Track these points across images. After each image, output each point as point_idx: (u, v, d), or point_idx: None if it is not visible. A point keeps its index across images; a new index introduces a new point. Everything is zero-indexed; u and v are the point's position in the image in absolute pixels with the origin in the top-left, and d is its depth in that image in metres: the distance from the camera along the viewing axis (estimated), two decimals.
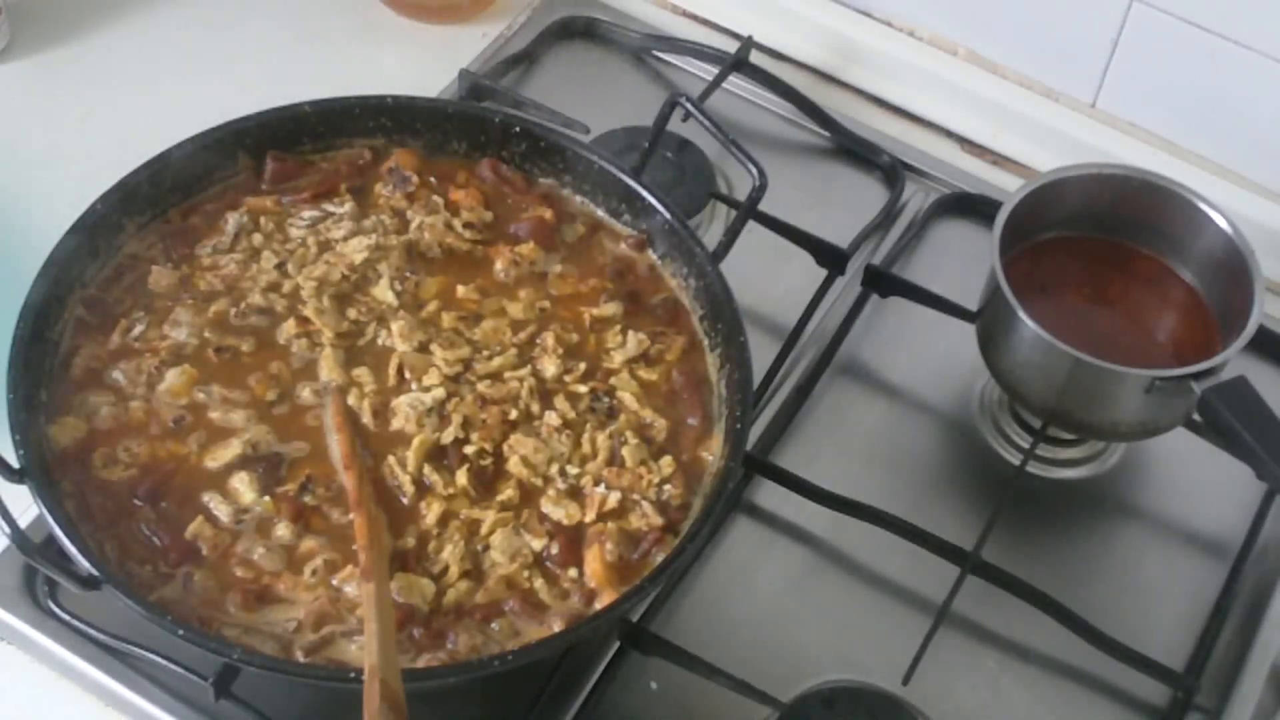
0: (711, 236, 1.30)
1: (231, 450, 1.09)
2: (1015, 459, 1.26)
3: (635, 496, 1.10)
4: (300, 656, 1.01)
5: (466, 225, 1.21)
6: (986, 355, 1.23)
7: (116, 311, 1.15)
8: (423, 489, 1.09)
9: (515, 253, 1.21)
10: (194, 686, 1.07)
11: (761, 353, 1.21)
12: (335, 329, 1.15)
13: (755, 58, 1.48)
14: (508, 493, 1.09)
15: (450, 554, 1.06)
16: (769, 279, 1.34)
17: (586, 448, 1.12)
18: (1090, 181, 1.23)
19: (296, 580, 1.04)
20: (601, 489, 1.10)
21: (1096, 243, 1.25)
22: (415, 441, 1.10)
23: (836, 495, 1.20)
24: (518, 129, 1.24)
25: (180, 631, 0.98)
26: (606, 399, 1.14)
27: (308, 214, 1.21)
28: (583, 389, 1.14)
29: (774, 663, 1.14)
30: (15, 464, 1.02)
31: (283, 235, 1.20)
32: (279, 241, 1.20)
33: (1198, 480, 1.27)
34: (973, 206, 1.41)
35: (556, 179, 1.25)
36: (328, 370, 1.13)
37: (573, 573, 1.06)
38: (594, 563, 1.06)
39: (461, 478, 1.09)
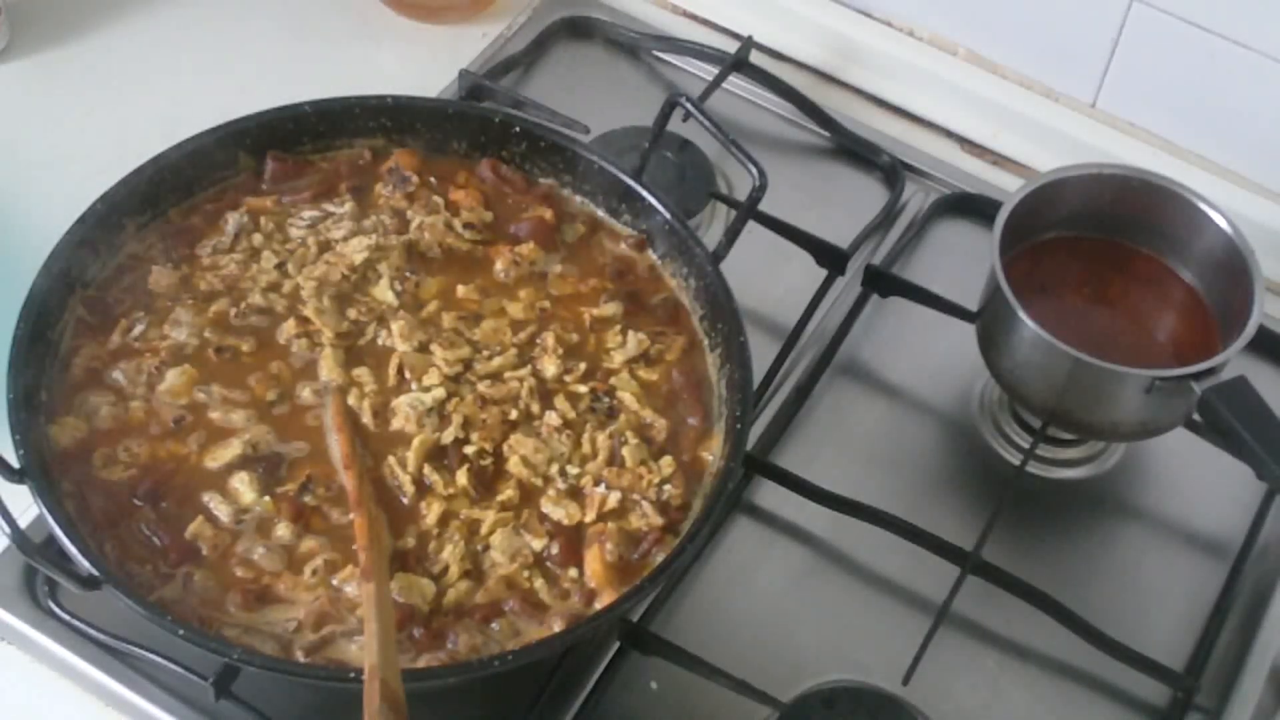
0: (711, 236, 1.30)
1: (231, 450, 1.09)
2: (1015, 459, 1.26)
3: (635, 496, 1.10)
4: (300, 656, 1.01)
5: (466, 225, 1.21)
6: (986, 355, 1.23)
7: (116, 311, 1.15)
8: (423, 489, 1.09)
9: (515, 253, 1.21)
10: (194, 686, 1.07)
11: (761, 353, 1.21)
12: (335, 329, 1.15)
13: (755, 58, 1.48)
14: (508, 493, 1.09)
15: (450, 554, 1.06)
16: (769, 279, 1.34)
17: (586, 448, 1.12)
18: (1090, 181, 1.23)
19: (296, 580, 1.04)
20: (601, 489, 1.10)
21: (1096, 243, 1.25)
22: (415, 441, 1.10)
23: (836, 495, 1.20)
24: (518, 129, 1.24)
25: (180, 631, 0.98)
26: (606, 399, 1.14)
27: (308, 214, 1.21)
28: (583, 389, 1.14)
29: (774, 663, 1.14)
30: (15, 464, 1.02)
31: (283, 235, 1.20)
32: (279, 241, 1.20)
33: (1198, 480, 1.27)
34: (973, 206, 1.40)
35: (556, 179, 1.25)
36: (328, 370, 1.13)
37: (573, 573, 1.06)
38: (594, 563, 1.06)
39: (461, 478, 1.09)
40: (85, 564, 1.00)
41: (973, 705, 1.15)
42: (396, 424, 1.11)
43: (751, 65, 1.47)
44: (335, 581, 1.05)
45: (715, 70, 1.45)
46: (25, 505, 1.02)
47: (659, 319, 1.19)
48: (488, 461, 1.10)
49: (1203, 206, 1.20)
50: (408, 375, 1.13)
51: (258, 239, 1.19)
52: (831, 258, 1.32)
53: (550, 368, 1.15)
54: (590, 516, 1.09)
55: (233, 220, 1.20)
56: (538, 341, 1.16)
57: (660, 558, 1.06)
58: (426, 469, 1.09)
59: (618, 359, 1.16)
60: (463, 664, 1.01)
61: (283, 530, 1.06)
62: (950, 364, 1.31)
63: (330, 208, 1.22)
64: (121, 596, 0.99)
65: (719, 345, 1.16)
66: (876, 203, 1.40)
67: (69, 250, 1.12)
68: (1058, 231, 1.25)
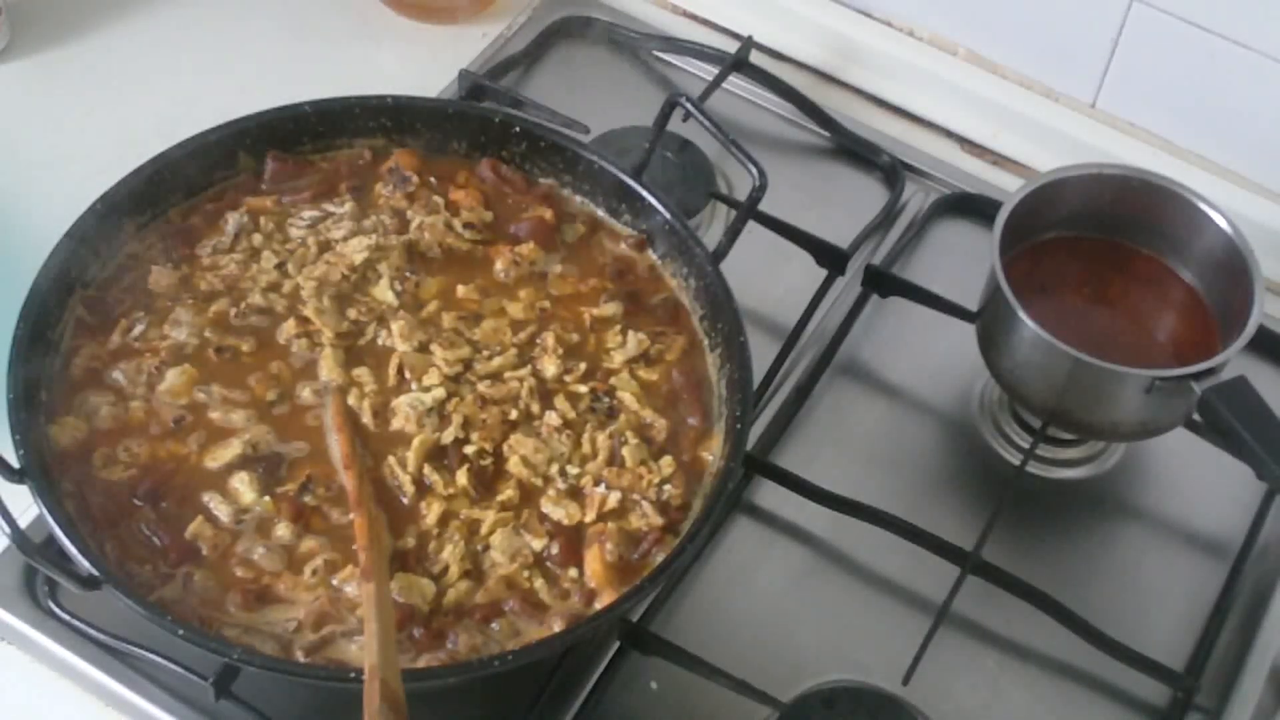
0: (711, 236, 1.30)
1: (231, 450, 1.09)
2: (1015, 459, 1.26)
3: (635, 496, 1.10)
4: (300, 656, 1.01)
5: (466, 225, 1.21)
6: (986, 355, 1.23)
7: (116, 311, 1.15)
8: (423, 489, 1.09)
9: (515, 253, 1.21)
10: (194, 686, 1.07)
11: (761, 353, 1.21)
12: (335, 329, 1.15)
13: (755, 58, 1.48)
14: (508, 493, 1.09)
15: (450, 554, 1.06)
16: (769, 279, 1.34)
17: (586, 448, 1.12)
18: (1090, 181, 1.23)
19: (296, 580, 1.04)
20: (601, 489, 1.10)
21: (1096, 243, 1.25)
22: (415, 441, 1.10)
23: (836, 495, 1.20)
24: (518, 129, 1.24)
25: (180, 631, 0.98)
26: (606, 399, 1.14)
27: (308, 214, 1.21)
28: (583, 389, 1.14)
29: (774, 663, 1.14)
30: (15, 464, 1.02)
31: (283, 235, 1.20)
32: (279, 241, 1.20)
33: (1198, 480, 1.27)
34: (973, 206, 1.40)
35: (556, 179, 1.25)
36: (328, 370, 1.13)
37: (573, 573, 1.06)
38: (594, 563, 1.06)
39: (461, 478, 1.09)
40: (85, 564, 1.00)
41: (973, 705, 1.15)
42: (396, 424, 1.11)
43: (751, 65, 1.47)
44: (335, 581, 1.05)
45: (715, 70, 1.45)
46: (25, 505, 1.02)
47: (659, 319, 1.19)
48: (488, 461, 1.10)
49: (1203, 206, 1.20)
50: (408, 375, 1.13)
51: (258, 239, 1.19)
52: (831, 258, 1.32)
53: (550, 368, 1.15)
54: (590, 516, 1.09)
55: (233, 220, 1.20)
56: (538, 341, 1.16)
57: (660, 558, 1.06)
58: (426, 469, 1.09)
59: (618, 359, 1.16)
60: (463, 664, 1.01)
61: (283, 530, 1.06)
62: (950, 364, 1.31)
63: (330, 208, 1.22)
64: (121, 596, 0.99)
65: (719, 345, 1.16)
66: (876, 203, 1.40)
67: (69, 250, 1.12)
68: (1058, 231, 1.25)
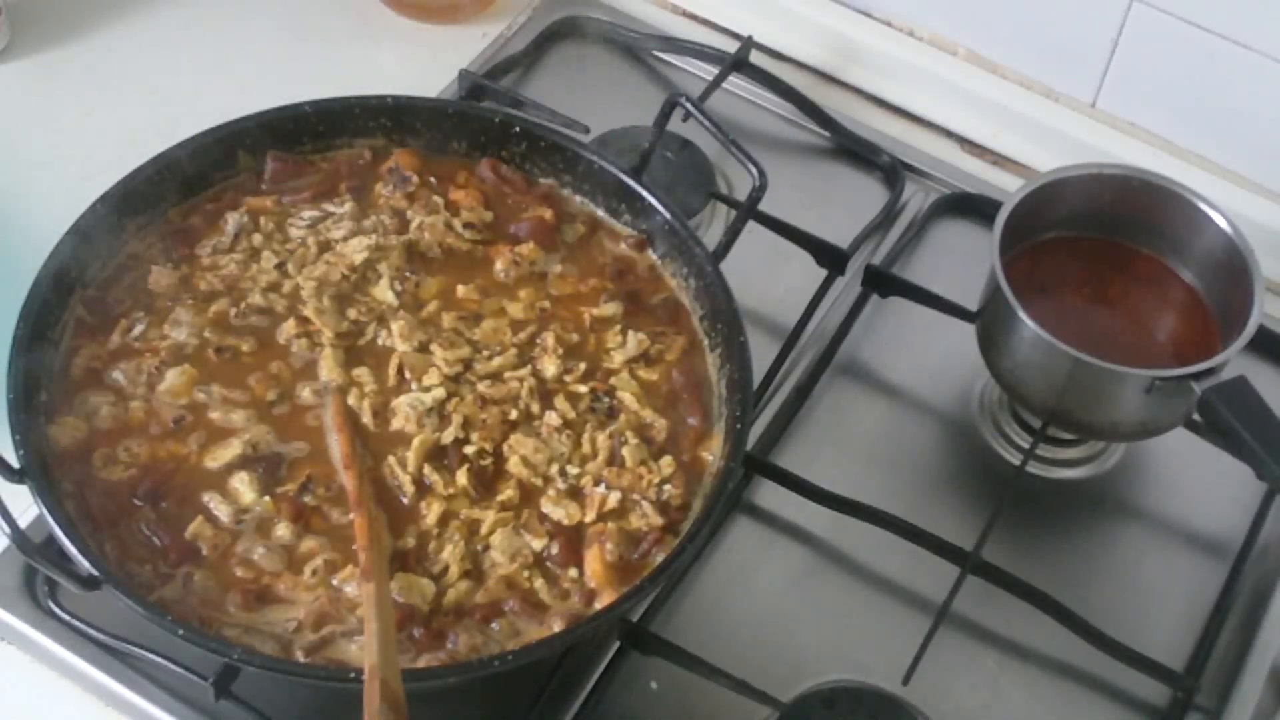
0: (711, 236, 1.30)
1: (231, 450, 1.09)
2: (1015, 459, 1.26)
3: (635, 496, 1.10)
4: (300, 656, 1.01)
5: (466, 225, 1.21)
6: (986, 355, 1.23)
7: (116, 311, 1.15)
8: (423, 489, 1.09)
9: (515, 253, 1.21)
10: (194, 686, 1.07)
11: (761, 353, 1.21)
12: (335, 329, 1.15)
13: (755, 58, 1.48)
14: (508, 493, 1.09)
15: (450, 554, 1.06)
16: (769, 279, 1.34)
17: (586, 448, 1.12)
18: (1090, 181, 1.23)
19: (296, 580, 1.04)
20: (601, 489, 1.10)
21: (1096, 243, 1.25)
22: (415, 441, 1.10)
23: (836, 495, 1.20)
24: (518, 129, 1.24)
25: (180, 631, 0.98)
26: (606, 399, 1.14)
27: (308, 214, 1.21)
28: (583, 389, 1.14)
29: (774, 663, 1.14)
30: (15, 464, 1.02)
31: (283, 235, 1.20)
32: (279, 241, 1.20)
33: (1198, 480, 1.27)
34: (973, 206, 1.40)
35: (556, 179, 1.25)
36: (328, 370, 1.13)
37: (573, 573, 1.06)
38: (594, 563, 1.06)
39: (461, 478, 1.09)
40: (85, 564, 1.00)
41: (973, 705, 1.15)
42: (396, 424, 1.11)
43: (751, 65, 1.47)
44: (335, 581, 1.05)
45: (715, 70, 1.45)
46: (25, 505, 1.02)
47: (659, 319, 1.19)
48: (488, 461, 1.10)
49: (1203, 206, 1.20)
50: (408, 375, 1.13)
51: (258, 239, 1.19)
52: (831, 258, 1.32)
53: (550, 368, 1.15)
54: (590, 516, 1.09)
55: (233, 220, 1.20)
56: (538, 341, 1.16)
57: (660, 558, 1.06)
58: (426, 469, 1.09)
59: (618, 359, 1.16)
60: (463, 664, 1.01)
61: (283, 530, 1.06)
62: (950, 364, 1.31)
63: (330, 208, 1.22)
64: (121, 596, 0.99)
65: (719, 345, 1.16)
66: (876, 203, 1.40)
67: (69, 250, 1.12)
68: (1058, 231, 1.25)
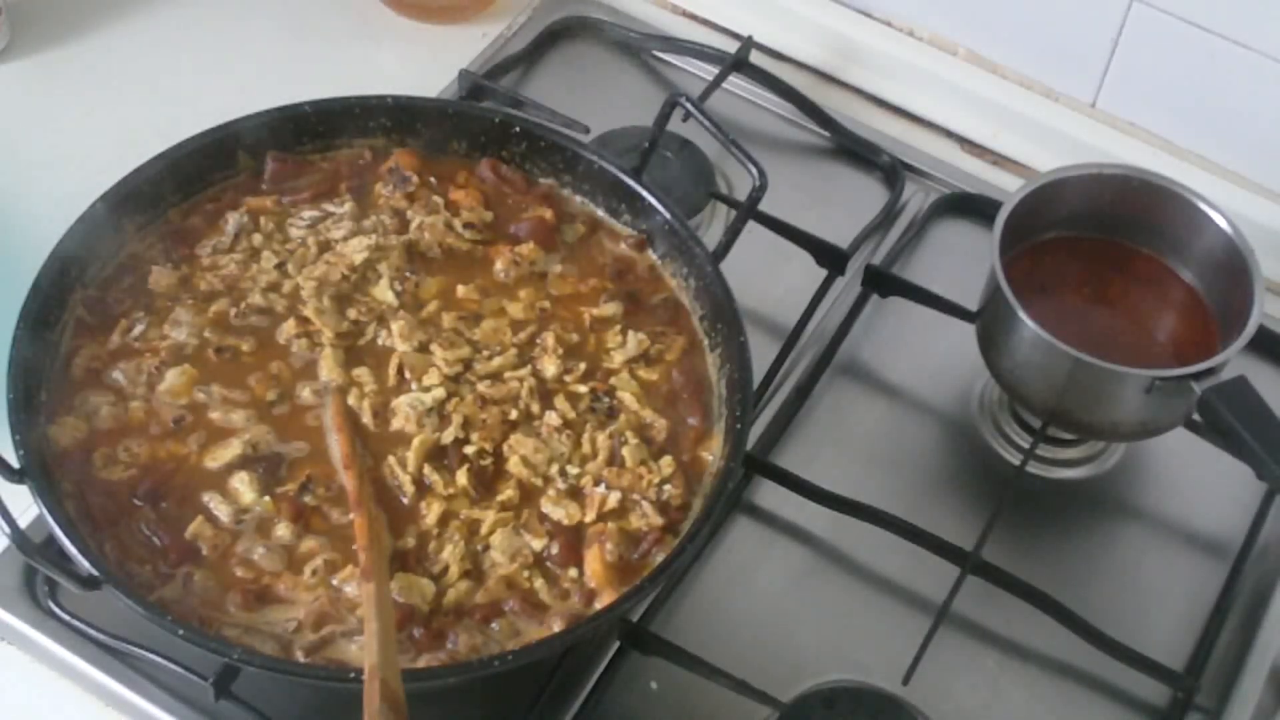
0: (711, 236, 1.30)
1: (231, 450, 1.09)
2: (1015, 459, 1.26)
3: (635, 496, 1.10)
4: (300, 656, 1.01)
5: (466, 225, 1.21)
6: (986, 355, 1.23)
7: (116, 311, 1.15)
8: (423, 489, 1.09)
9: (515, 253, 1.21)
10: (194, 686, 1.07)
11: (761, 353, 1.21)
12: (335, 329, 1.15)
13: (755, 58, 1.48)
14: (508, 493, 1.09)
15: (450, 554, 1.06)
16: (769, 279, 1.34)
17: (586, 448, 1.12)
18: (1090, 181, 1.23)
19: (296, 580, 1.04)
20: (601, 489, 1.10)
21: (1096, 243, 1.25)
22: (415, 441, 1.10)
23: (836, 495, 1.20)
24: (518, 129, 1.24)
25: (180, 631, 0.98)
26: (606, 399, 1.14)
27: (308, 214, 1.21)
28: (583, 389, 1.14)
29: (774, 663, 1.14)
30: (15, 464, 1.02)
31: (283, 235, 1.20)
32: (279, 241, 1.20)
33: (1198, 480, 1.27)
34: (973, 206, 1.40)
35: (556, 179, 1.25)
36: (328, 370, 1.13)
37: (573, 573, 1.06)
38: (594, 563, 1.06)
39: (461, 478, 1.09)
40: (85, 564, 1.00)
41: (973, 705, 1.15)
42: (396, 424, 1.11)
43: (751, 65, 1.47)
44: (335, 581, 1.05)
45: (715, 70, 1.45)
46: (25, 505, 1.02)
47: (659, 319, 1.19)
48: (488, 461, 1.10)
49: (1203, 206, 1.20)
50: (408, 375, 1.13)
51: (258, 239, 1.19)
52: (831, 258, 1.32)
53: (550, 368, 1.15)
54: (590, 516, 1.09)
55: (233, 220, 1.20)
56: (538, 341, 1.16)
57: (660, 558, 1.06)
58: (426, 469, 1.09)
59: (618, 359, 1.16)
60: (463, 664, 1.01)
61: (283, 530, 1.06)
62: (950, 364, 1.31)
63: (330, 208, 1.22)
64: (121, 596, 0.99)
65: (719, 345, 1.16)
66: (876, 203, 1.40)
67: (69, 250, 1.12)
68: (1058, 231, 1.25)
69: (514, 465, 1.10)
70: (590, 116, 1.36)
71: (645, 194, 1.21)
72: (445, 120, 1.25)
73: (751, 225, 1.22)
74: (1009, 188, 1.34)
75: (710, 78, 1.44)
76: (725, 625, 1.17)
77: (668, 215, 1.20)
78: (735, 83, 1.47)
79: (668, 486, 1.10)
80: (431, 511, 1.08)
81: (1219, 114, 1.37)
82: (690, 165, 1.39)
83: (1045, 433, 1.24)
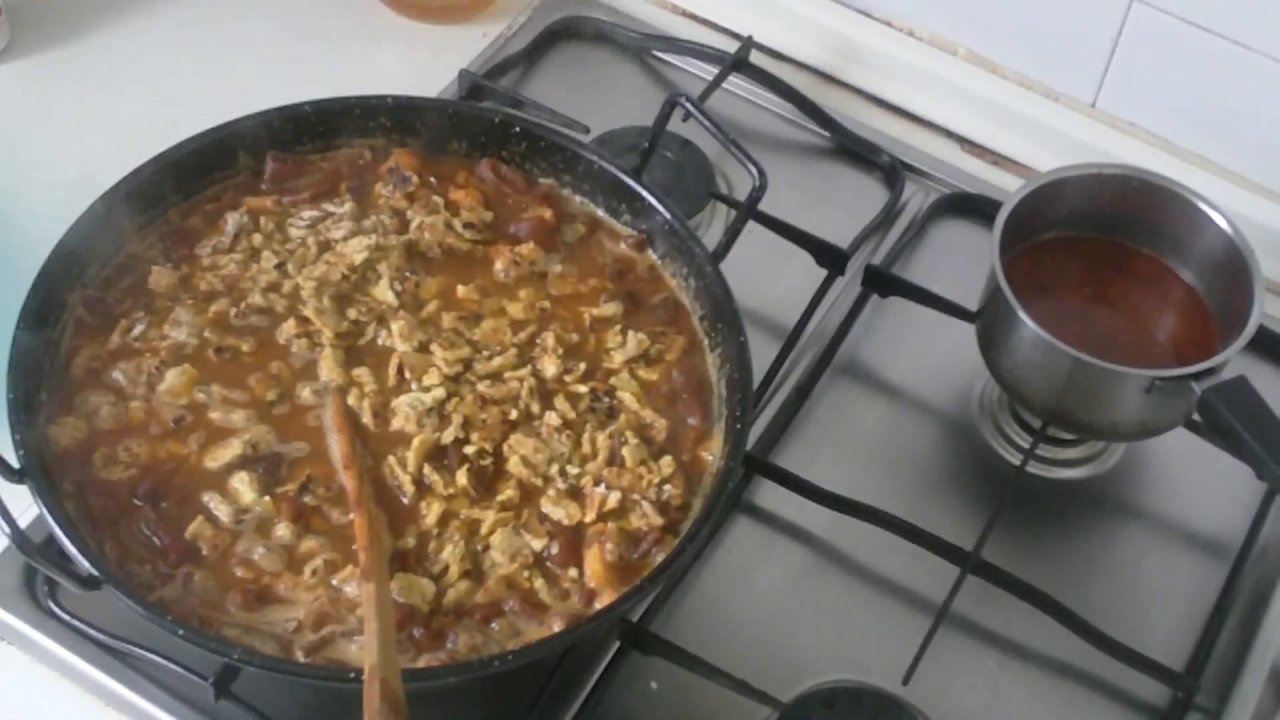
0: (711, 236, 1.30)
1: (231, 450, 1.09)
2: (1015, 459, 1.26)
3: (635, 496, 1.10)
4: (300, 656, 1.01)
5: (466, 225, 1.21)
6: (986, 355, 1.23)
7: (116, 311, 1.14)
8: (423, 489, 1.09)
9: (515, 253, 1.21)
10: (194, 686, 1.07)
11: (761, 353, 1.21)
12: (335, 329, 1.15)
13: (755, 58, 1.48)
14: (508, 493, 1.09)
15: (450, 554, 1.06)
16: (769, 279, 1.34)
17: (586, 448, 1.12)
18: (1090, 181, 1.23)
19: (296, 580, 1.04)
20: (601, 489, 1.10)
21: (1096, 243, 1.25)
22: (415, 441, 1.10)
23: (836, 495, 1.20)
24: (518, 129, 1.24)
25: (180, 631, 0.98)
26: (606, 399, 1.14)
27: (308, 214, 1.21)
28: (583, 389, 1.14)
29: (774, 663, 1.14)
30: (15, 464, 1.02)
31: (283, 235, 1.20)
32: (279, 241, 1.20)
33: (1198, 480, 1.27)
34: (973, 206, 1.41)
35: (556, 179, 1.25)
36: (328, 370, 1.13)
37: (573, 573, 1.06)
38: (594, 563, 1.06)
39: (461, 478, 1.09)
40: (85, 564, 1.00)
41: (973, 705, 1.15)
42: (396, 424, 1.11)
43: (751, 65, 1.47)
44: (335, 581, 1.05)
45: (715, 70, 1.45)
46: (25, 505, 1.02)
47: (659, 319, 1.19)
48: (488, 461, 1.10)
49: (1203, 206, 1.20)
50: (408, 375, 1.13)
51: (258, 239, 1.19)
52: (831, 258, 1.32)
53: (550, 368, 1.15)
54: (590, 516, 1.09)
55: (233, 220, 1.20)
56: (538, 341, 1.16)
57: (660, 558, 1.06)
58: (426, 469, 1.09)
59: (618, 359, 1.16)
60: (463, 664, 1.01)
61: (283, 530, 1.06)
62: (950, 364, 1.31)
63: (330, 208, 1.22)
64: (121, 596, 0.99)
65: (719, 345, 1.16)
66: (876, 203, 1.40)
67: (69, 250, 1.12)
68: (1058, 231, 1.25)
69: (514, 465, 1.10)
70: (590, 116, 1.36)
71: (645, 194, 1.21)
72: (445, 120, 1.25)
73: (751, 225, 1.22)
74: (1009, 188, 1.34)
75: (710, 78, 1.44)
76: (725, 625, 1.17)
77: (668, 215, 1.20)
78: (735, 83, 1.47)
79: (668, 486, 1.10)
80: (431, 511, 1.08)
81: (1219, 114, 1.37)
82: (690, 165, 1.39)
83: (1045, 433, 1.24)
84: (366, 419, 1.11)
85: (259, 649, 1.00)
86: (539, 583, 1.06)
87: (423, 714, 0.96)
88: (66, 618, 1.12)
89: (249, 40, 1.49)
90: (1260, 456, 1.09)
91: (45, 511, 1.02)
